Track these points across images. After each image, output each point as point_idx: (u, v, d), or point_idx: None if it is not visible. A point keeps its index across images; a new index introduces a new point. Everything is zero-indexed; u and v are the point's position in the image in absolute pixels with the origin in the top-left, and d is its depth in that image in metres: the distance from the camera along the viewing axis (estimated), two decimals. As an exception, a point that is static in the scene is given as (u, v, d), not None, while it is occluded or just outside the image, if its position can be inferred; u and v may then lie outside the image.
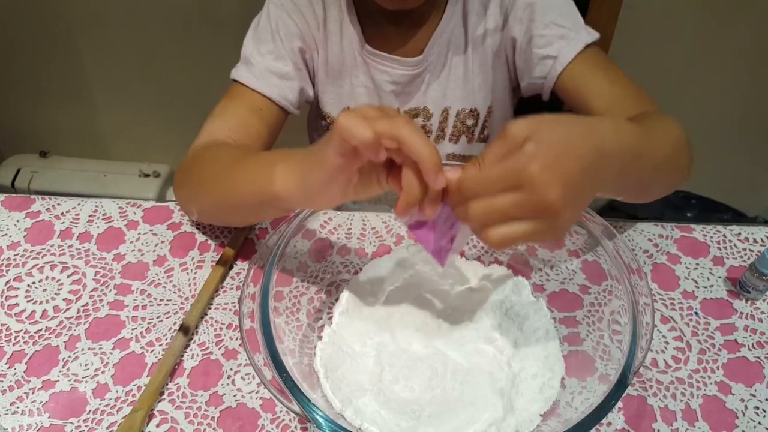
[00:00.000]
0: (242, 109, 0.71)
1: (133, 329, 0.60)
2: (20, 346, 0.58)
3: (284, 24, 0.73)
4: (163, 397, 0.55)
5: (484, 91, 0.78)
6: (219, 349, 0.58)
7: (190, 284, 0.64)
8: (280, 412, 0.54)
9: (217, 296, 0.63)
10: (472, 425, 0.51)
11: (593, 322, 0.56)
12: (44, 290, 0.63)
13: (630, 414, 0.54)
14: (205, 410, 0.54)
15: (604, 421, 0.44)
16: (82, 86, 1.58)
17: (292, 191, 0.50)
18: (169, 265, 0.65)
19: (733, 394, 0.55)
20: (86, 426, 0.53)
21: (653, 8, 1.27)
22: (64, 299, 0.62)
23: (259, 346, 0.47)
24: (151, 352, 0.58)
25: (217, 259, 0.65)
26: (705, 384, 0.56)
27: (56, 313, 0.61)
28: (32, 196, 0.72)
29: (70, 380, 0.56)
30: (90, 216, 0.70)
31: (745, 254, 0.67)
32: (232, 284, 0.64)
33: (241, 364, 0.57)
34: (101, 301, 0.62)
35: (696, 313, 0.62)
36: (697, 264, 0.66)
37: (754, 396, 0.55)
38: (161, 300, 0.62)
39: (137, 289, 0.63)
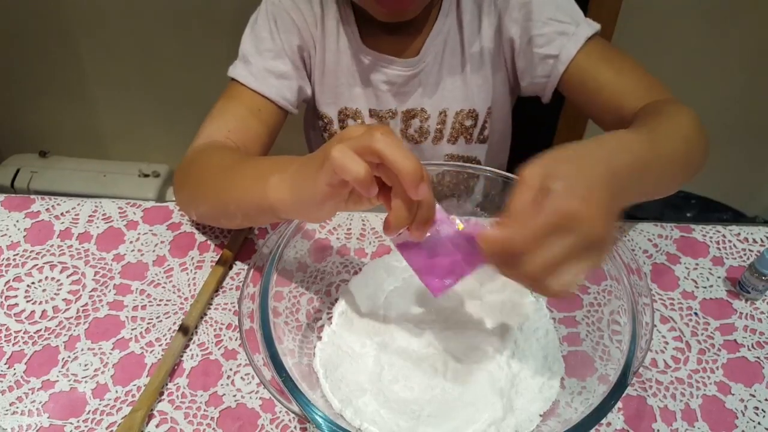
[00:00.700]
0: (241, 110, 0.70)
1: (132, 329, 0.60)
2: (20, 346, 0.58)
3: (282, 21, 0.73)
4: (162, 397, 0.55)
5: (483, 92, 0.78)
6: (218, 349, 0.58)
7: (189, 284, 0.64)
8: (280, 412, 0.54)
9: (216, 296, 0.63)
10: (471, 425, 0.51)
11: (593, 323, 0.56)
12: (44, 290, 0.63)
13: (630, 414, 0.54)
14: (204, 410, 0.54)
15: (603, 421, 0.44)
16: (82, 86, 1.58)
17: (286, 204, 0.50)
18: (168, 265, 0.65)
19: (733, 394, 0.55)
20: (86, 426, 0.53)
21: (652, 8, 1.27)
22: (63, 299, 0.62)
23: (259, 347, 0.47)
24: (151, 352, 0.58)
25: (216, 259, 0.65)
26: (704, 384, 0.56)
27: (56, 314, 0.61)
28: (32, 196, 0.72)
29: (69, 380, 0.56)
30: (89, 216, 0.70)
31: (745, 254, 0.67)
32: (232, 284, 0.64)
33: (240, 364, 0.57)
34: (101, 301, 0.62)
35: (695, 314, 0.62)
36: (697, 264, 0.66)
37: (754, 396, 0.55)
38: (161, 300, 0.62)
39: (137, 289, 0.63)
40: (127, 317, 0.61)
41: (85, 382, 0.55)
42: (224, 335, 0.59)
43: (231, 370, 0.57)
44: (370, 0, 0.66)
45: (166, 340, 0.59)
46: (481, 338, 0.57)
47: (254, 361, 0.46)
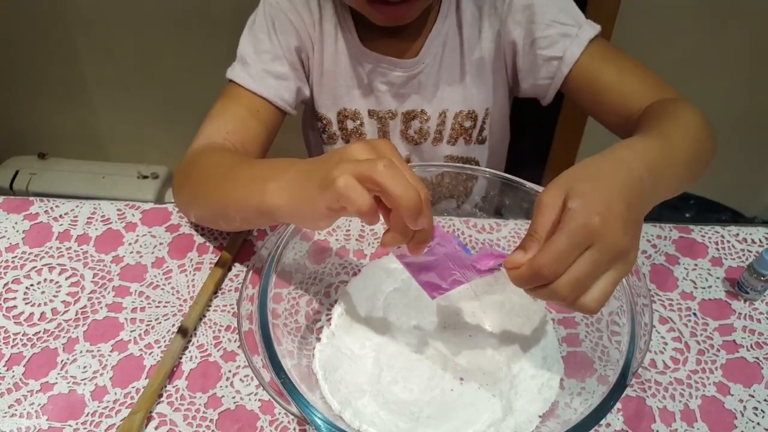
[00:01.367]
0: (240, 111, 0.70)
1: (131, 331, 0.59)
2: (18, 348, 0.58)
3: (280, 23, 0.73)
4: (161, 399, 0.54)
5: (482, 94, 0.78)
6: (217, 351, 0.58)
7: (188, 286, 0.64)
8: (279, 414, 0.54)
9: (215, 298, 0.63)
10: (471, 426, 0.51)
11: (592, 323, 0.56)
12: (42, 292, 0.63)
13: (629, 415, 0.54)
14: (203, 412, 0.54)
15: (603, 422, 0.45)
16: (81, 88, 1.58)
17: (283, 212, 0.50)
18: (167, 267, 0.65)
19: (732, 395, 0.56)
20: (84, 428, 0.52)
21: (651, 9, 1.27)
22: (62, 301, 0.62)
23: (258, 348, 0.47)
24: (150, 354, 0.58)
25: (215, 261, 0.65)
26: (704, 385, 0.56)
27: (54, 316, 0.61)
28: (30, 198, 0.72)
29: (68, 383, 0.55)
30: (88, 218, 0.70)
31: (744, 255, 0.67)
32: (231, 286, 0.64)
33: (239, 366, 0.57)
34: (99, 303, 0.62)
35: (694, 314, 0.62)
36: (696, 265, 0.66)
37: (753, 396, 0.55)
38: (160, 302, 0.62)
39: (135, 291, 0.63)
40: (126, 319, 0.60)
41: (84, 384, 0.55)
42: (223, 337, 0.59)
43: (230, 371, 0.57)
44: (368, 7, 0.66)
45: (165, 341, 0.59)
46: (480, 339, 0.57)
47: (253, 363, 0.46)
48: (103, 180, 1.59)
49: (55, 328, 0.60)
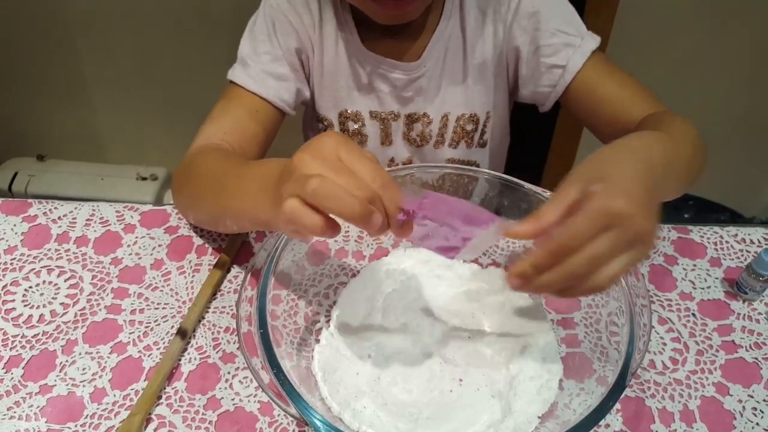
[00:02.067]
0: (239, 112, 0.71)
1: (130, 333, 0.59)
2: (17, 350, 0.58)
3: (280, 24, 0.73)
4: (160, 401, 0.54)
5: (484, 97, 0.78)
6: (216, 352, 0.58)
7: (187, 288, 0.63)
8: (278, 415, 0.54)
9: (214, 300, 0.63)
10: (470, 427, 0.51)
11: (591, 324, 0.56)
12: (41, 294, 0.63)
13: (628, 415, 0.54)
14: (202, 414, 0.54)
15: (602, 422, 0.45)
16: (80, 89, 1.58)
17: (274, 223, 0.49)
18: (166, 268, 0.65)
19: (731, 395, 0.56)
20: (83, 431, 0.52)
21: (650, 9, 1.27)
22: (61, 303, 0.62)
23: (257, 350, 0.47)
24: (149, 356, 0.58)
25: (214, 262, 0.65)
26: (703, 385, 0.56)
27: (53, 318, 0.61)
28: (29, 200, 0.72)
29: (67, 385, 0.55)
30: (87, 220, 0.70)
31: (742, 255, 0.67)
32: (230, 288, 0.64)
33: (238, 367, 0.57)
34: (98, 305, 0.62)
35: (693, 315, 0.62)
36: (694, 265, 0.66)
37: (752, 397, 0.56)
38: (159, 304, 0.62)
39: (134, 292, 0.63)
40: (124, 321, 0.60)
41: (83, 386, 0.55)
42: (222, 339, 0.59)
43: (229, 373, 0.57)
44: (371, 3, 0.66)
45: (164, 343, 0.59)
46: (479, 340, 0.57)
47: (252, 365, 0.46)
48: (101, 182, 1.59)
49: (54, 330, 0.60)
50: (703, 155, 0.62)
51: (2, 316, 0.61)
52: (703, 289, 0.64)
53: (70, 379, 0.56)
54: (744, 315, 0.62)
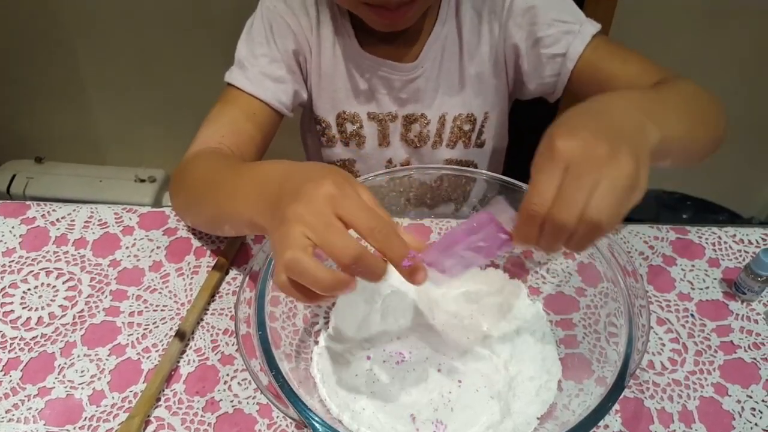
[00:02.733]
0: (236, 114, 0.70)
1: (129, 335, 0.59)
2: (15, 353, 0.58)
3: (278, 26, 0.73)
4: (159, 403, 0.54)
5: (481, 97, 0.78)
6: (215, 354, 0.58)
7: (186, 290, 0.63)
8: (277, 417, 0.54)
9: (213, 302, 0.62)
10: (469, 428, 0.51)
11: (589, 325, 0.56)
12: (40, 297, 0.63)
13: (627, 416, 0.54)
14: (201, 416, 0.54)
15: (601, 423, 0.45)
16: (78, 92, 1.58)
17: (270, 234, 0.48)
18: (165, 270, 0.65)
19: (730, 396, 0.56)
20: (82, 433, 0.52)
21: (649, 9, 1.27)
22: (59, 306, 0.62)
23: (256, 352, 0.47)
24: (148, 358, 0.58)
25: (213, 264, 0.65)
26: (702, 386, 0.56)
27: (52, 320, 0.61)
28: (27, 202, 0.72)
29: (65, 387, 0.55)
30: (85, 222, 0.70)
31: (741, 255, 0.68)
32: (228, 289, 0.64)
33: (237, 369, 0.57)
34: (97, 307, 0.62)
35: (692, 315, 0.62)
36: (693, 266, 0.66)
37: (751, 397, 0.56)
38: (157, 306, 0.62)
39: (133, 294, 0.63)
40: (123, 323, 0.60)
41: (82, 388, 0.55)
42: (221, 340, 0.59)
43: (228, 375, 0.56)
44: (368, 12, 0.66)
45: (162, 345, 0.59)
46: (478, 341, 0.57)
47: (251, 367, 0.46)
48: (100, 184, 1.59)
49: (52, 333, 0.59)
50: (713, 105, 0.61)
51: (0, 319, 0.61)
52: (701, 289, 0.64)
53: (69, 381, 0.56)
54: (742, 315, 0.62)
